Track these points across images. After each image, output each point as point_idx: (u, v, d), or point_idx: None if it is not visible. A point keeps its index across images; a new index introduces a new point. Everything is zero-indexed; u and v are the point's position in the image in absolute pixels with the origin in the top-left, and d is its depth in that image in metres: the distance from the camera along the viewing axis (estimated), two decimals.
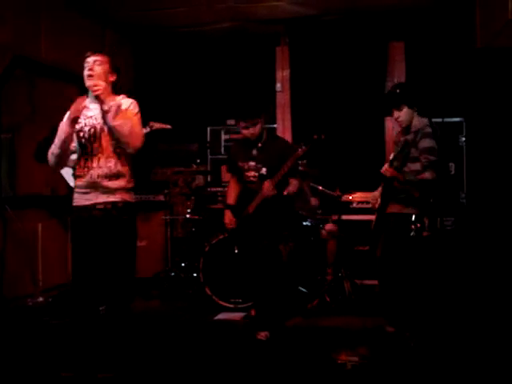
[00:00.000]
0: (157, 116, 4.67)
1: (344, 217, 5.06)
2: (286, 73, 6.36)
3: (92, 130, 3.14)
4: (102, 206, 3.12)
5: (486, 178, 5.11)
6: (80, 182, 3.17)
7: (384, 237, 3.92)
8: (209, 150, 6.21)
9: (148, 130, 4.50)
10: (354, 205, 5.36)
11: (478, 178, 5.18)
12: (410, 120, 3.88)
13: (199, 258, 4.99)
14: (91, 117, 3.18)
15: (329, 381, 3.29)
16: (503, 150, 5.06)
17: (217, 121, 6.26)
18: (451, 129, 5.29)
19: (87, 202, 3.14)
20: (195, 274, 5.15)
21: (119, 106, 3.08)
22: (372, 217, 4.12)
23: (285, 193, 3.99)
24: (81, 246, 3.18)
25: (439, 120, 5.09)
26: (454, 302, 4.46)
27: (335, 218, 4.99)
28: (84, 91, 3.24)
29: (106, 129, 3.13)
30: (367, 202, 4.76)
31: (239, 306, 4.79)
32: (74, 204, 3.20)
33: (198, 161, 5.96)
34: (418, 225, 3.81)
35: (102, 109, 3.05)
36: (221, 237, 4.92)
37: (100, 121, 3.14)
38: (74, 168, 3.22)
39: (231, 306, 4.82)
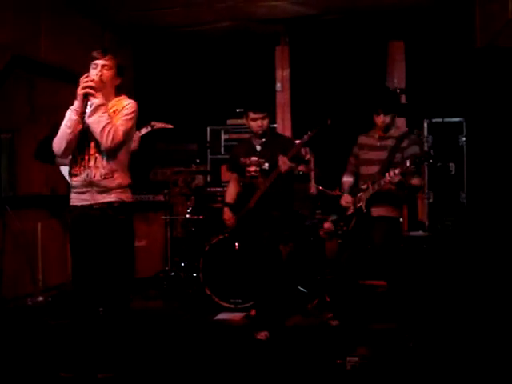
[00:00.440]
0: (157, 116, 4.66)
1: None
2: (286, 72, 6.36)
3: (87, 127, 3.11)
4: (98, 206, 3.11)
5: (486, 178, 5.10)
6: (76, 182, 3.15)
7: (376, 239, 3.94)
8: (209, 150, 6.21)
9: (149, 129, 4.49)
10: None
11: (478, 178, 5.16)
12: (391, 126, 4.00)
13: (199, 257, 4.98)
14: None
15: (329, 381, 3.29)
16: (503, 150, 5.05)
17: (217, 121, 6.26)
18: (451, 129, 5.28)
19: (84, 203, 3.13)
20: (195, 274, 5.14)
21: (101, 105, 3.03)
22: None
23: (298, 169, 4.05)
24: (78, 246, 3.18)
25: (439, 120, 5.09)
26: (454, 302, 4.45)
27: (334, 218, 4.98)
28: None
29: None
30: None
31: (239, 306, 4.79)
32: (71, 203, 3.20)
33: (198, 161, 5.96)
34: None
35: (86, 105, 3.02)
36: (221, 237, 4.92)
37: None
38: (70, 166, 3.21)
39: (231, 306, 4.82)
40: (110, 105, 3.14)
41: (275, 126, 6.22)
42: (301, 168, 4.10)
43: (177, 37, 6.36)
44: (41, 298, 4.90)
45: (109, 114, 3.06)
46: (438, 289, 4.53)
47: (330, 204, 5.10)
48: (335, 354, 3.51)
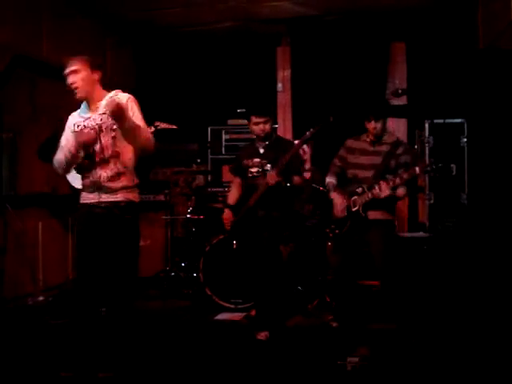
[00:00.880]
0: (158, 116, 4.66)
1: None
2: (287, 73, 6.36)
3: (92, 131, 3.13)
4: (104, 205, 3.13)
5: (487, 179, 5.10)
6: (85, 182, 3.21)
7: (375, 242, 3.95)
8: (209, 150, 6.20)
9: (153, 129, 4.49)
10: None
11: (479, 179, 5.16)
12: (384, 132, 4.04)
13: (199, 257, 4.98)
14: (89, 117, 3.17)
15: (329, 381, 3.29)
16: (505, 151, 5.05)
17: (217, 121, 6.25)
18: (453, 130, 5.28)
19: (91, 201, 3.17)
20: (195, 274, 5.14)
21: (118, 104, 2.99)
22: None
23: (288, 183, 4.05)
24: (83, 243, 3.19)
25: (441, 121, 5.09)
26: (454, 302, 4.45)
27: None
28: None
29: (104, 129, 3.11)
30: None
31: (239, 306, 4.79)
32: (80, 201, 3.24)
33: (199, 161, 5.96)
34: None
35: (109, 115, 3.00)
36: (221, 237, 4.91)
37: (99, 122, 3.13)
38: (78, 168, 3.21)
39: (231, 306, 4.82)
40: (103, 102, 3.11)
41: (276, 126, 6.22)
42: (295, 180, 4.11)
43: (178, 37, 6.36)
44: (41, 298, 4.90)
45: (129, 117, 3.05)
46: (439, 289, 4.52)
47: (330, 204, 5.09)
48: (336, 355, 3.51)
